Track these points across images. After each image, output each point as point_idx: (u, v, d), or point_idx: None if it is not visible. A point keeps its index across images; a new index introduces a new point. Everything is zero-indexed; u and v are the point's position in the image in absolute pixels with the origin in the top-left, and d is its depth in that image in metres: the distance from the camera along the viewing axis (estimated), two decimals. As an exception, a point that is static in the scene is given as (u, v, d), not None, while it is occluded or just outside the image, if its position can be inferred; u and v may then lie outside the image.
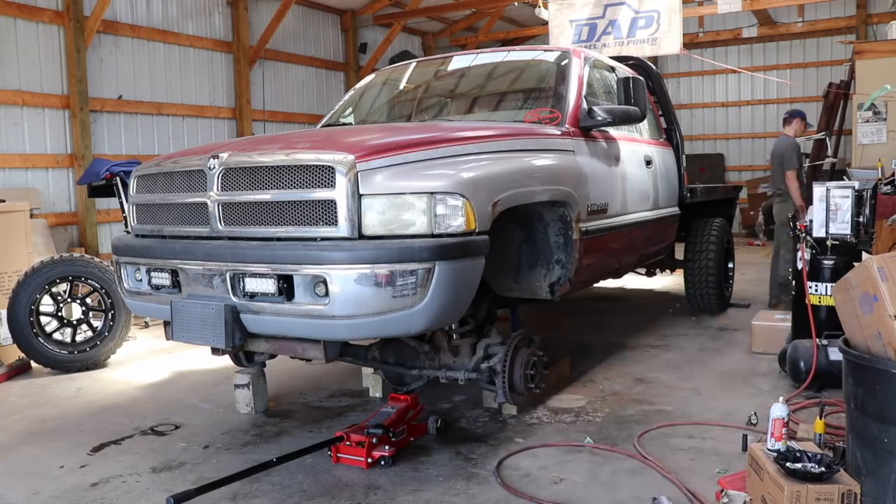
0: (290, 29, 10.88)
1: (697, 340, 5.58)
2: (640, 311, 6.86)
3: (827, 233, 4.49)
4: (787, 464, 2.53)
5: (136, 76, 8.62)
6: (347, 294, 2.86)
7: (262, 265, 3.03)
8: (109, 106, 8.26)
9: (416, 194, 2.94)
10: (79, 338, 5.36)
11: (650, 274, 7.20)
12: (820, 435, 3.03)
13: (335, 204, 2.93)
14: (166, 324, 3.46)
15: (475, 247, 3.02)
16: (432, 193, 2.94)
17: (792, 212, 6.30)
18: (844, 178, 7.06)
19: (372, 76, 5.51)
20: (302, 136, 3.59)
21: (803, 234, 4.59)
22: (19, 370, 5.20)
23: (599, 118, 4.21)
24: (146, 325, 6.80)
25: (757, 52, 14.59)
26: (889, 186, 4.43)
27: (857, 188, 4.48)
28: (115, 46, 8.39)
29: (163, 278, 3.44)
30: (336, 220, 2.93)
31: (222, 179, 3.20)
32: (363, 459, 3.26)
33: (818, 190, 4.55)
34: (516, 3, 11.17)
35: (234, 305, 3.12)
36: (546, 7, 9.94)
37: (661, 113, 6.17)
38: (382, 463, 3.27)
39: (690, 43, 12.76)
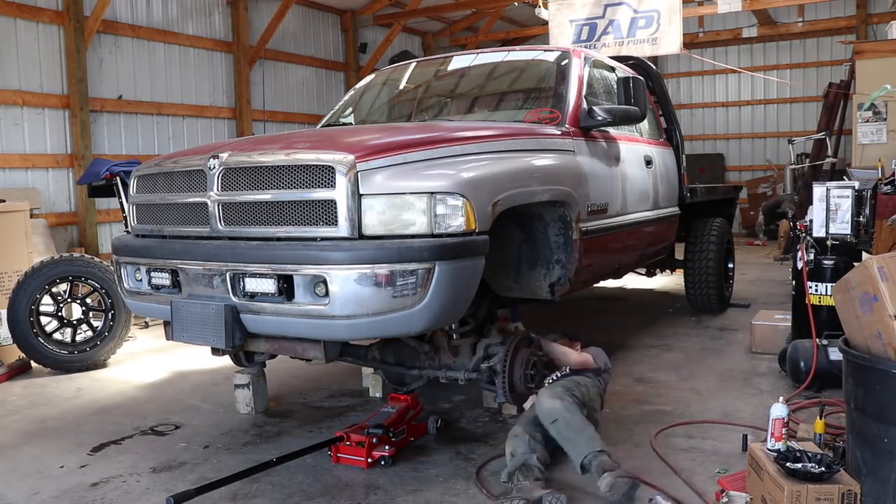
0: (290, 29, 10.88)
1: (697, 340, 5.58)
2: (640, 311, 6.86)
3: (827, 233, 4.49)
4: (787, 464, 2.53)
5: (136, 76, 8.62)
6: (347, 294, 2.86)
7: (262, 265, 3.03)
8: (109, 106, 8.26)
9: (416, 194, 2.94)
10: (79, 338, 5.36)
11: (650, 274, 7.20)
12: (820, 435, 3.03)
13: (335, 204, 2.92)
14: (166, 324, 3.45)
15: (475, 247, 3.02)
16: (432, 193, 2.94)
17: None
18: (844, 178, 7.06)
19: (372, 76, 5.51)
20: (302, 136, 3.58)
21: (803, 234, 4.59)
22: (19, 370, 5.20)
23: (599, 118, 4.20)
24: (146, 325, 6.80)
25: (757, 52, 14.60)
26: (889, 186, 4.43)
27: (857, 188, 4.48)
28: (115, 46, 8.39)
29: (163, 278, 3.44)
30: (336, 220, 2.93)
31: (222, 179, 3.20)
32: (363, 459, 3.26)
33: (818, 190, 4.54)
34: (516, 3, 11.17)
35: (234, 305, 3.12)
36: (546, 7, 9.95)
37: (661, 113, 6.17)
38: (382, 463, 3.27)
39: (690, 43, 12.76)
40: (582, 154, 4.11)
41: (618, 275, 5.42)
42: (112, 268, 4.09)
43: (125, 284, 3.69)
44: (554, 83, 4.45)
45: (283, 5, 10.08)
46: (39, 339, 5.13)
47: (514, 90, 4.83)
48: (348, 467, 3.28)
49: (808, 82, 13.78)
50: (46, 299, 5.26)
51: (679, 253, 6.57)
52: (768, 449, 2.74)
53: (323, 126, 5.05)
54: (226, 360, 4.47)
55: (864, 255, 4.15)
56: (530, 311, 5.99)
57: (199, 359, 5.33)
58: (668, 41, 9.12)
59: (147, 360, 5.57)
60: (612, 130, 4.58)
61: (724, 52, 14.68)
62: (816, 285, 4.48)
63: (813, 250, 4.52)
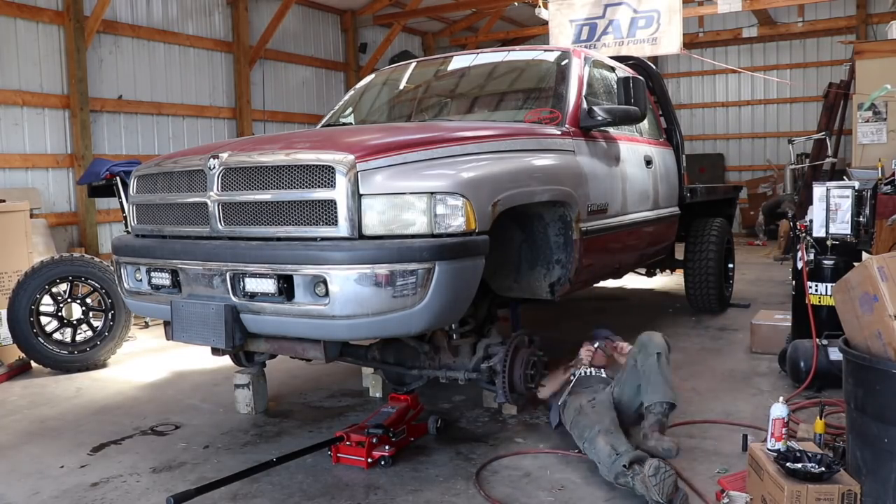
0: (290, 29, 10.88)
1: (697, 340, 5.58)
2: (640, 311, 6.86)
3: (827, 233, 4.49)
4: (788, 464, 2.53)
5: (136, 76, 8.63)
6: (347, 294, 2.86)
7: (262, 265, 3.03)
8: (109, 106, 8.27)
9: (416, 194, 2.94)
10: (79, 338, 5.36)
11: (650, 274, 7.20)
12: (820, 435, 3.02)
13: (335, 204, 2.93)
14: (166, 324, 3.45)
15: (475, 247, 3.02)
16: (432, 193, 2.94)
17: None
18: (844, 178, 7.06)
19: (372, 76, 5.51)
20: (302, 136, 3.58)
21: (803, 234, 4.59)
22: (19, 370, 5.20)
23: (599, 118, 4.20)
24: (146, 325, 6.80)
25: (757, 52, 14.60)
26: (889, 186, 4.44)
27: (857, 188, 4.48)
28: (115, 46, 8.39)
29: (163, 278, 3.44)
30: (336, 220, 2.93)
31: (222, 179, 3.20)
32: (363, 459, 3.26)
33: (818, 190, 4.54)
34: (516, 3, 11.18)
35: (234, 305, 3.12)
36: (546, 7, 9.95)
37: (661, 113, 6.17)
38: (382, 463, 3.27)
39: (690, 43, 12.76)
40: (582, 154, 4.11)
41: (618, 275, 5.42)
42: (112, 268, 4.09)
43: (125, 284, 3.69)
44: (554, 83, 4.45)
45: (283, 5, 10.09)
46: (39, 339, 5.13)
47: (514, 90, 4.83)
48: (348, 467, 3.28)
49: (808, 82, 13.78)
50: (46, 299, 5.26)
51: (679, 253, 6.57)
52: (768, 449, 2.74)
53: (323, 126, 5.05)
54: (226, 360, 4.47)
55: (864, 255, 4.15)
56: (530, 311, 5.99)
57: (199, 359, 5.33)
58: (668, 41, 9.12)
59: (147, 360, 5.57)
60: (612, 130, 4.58)
61: (724, 52, 14.69)
62: (816, 285, 4.48)
63: (813, 250, 4.52)
